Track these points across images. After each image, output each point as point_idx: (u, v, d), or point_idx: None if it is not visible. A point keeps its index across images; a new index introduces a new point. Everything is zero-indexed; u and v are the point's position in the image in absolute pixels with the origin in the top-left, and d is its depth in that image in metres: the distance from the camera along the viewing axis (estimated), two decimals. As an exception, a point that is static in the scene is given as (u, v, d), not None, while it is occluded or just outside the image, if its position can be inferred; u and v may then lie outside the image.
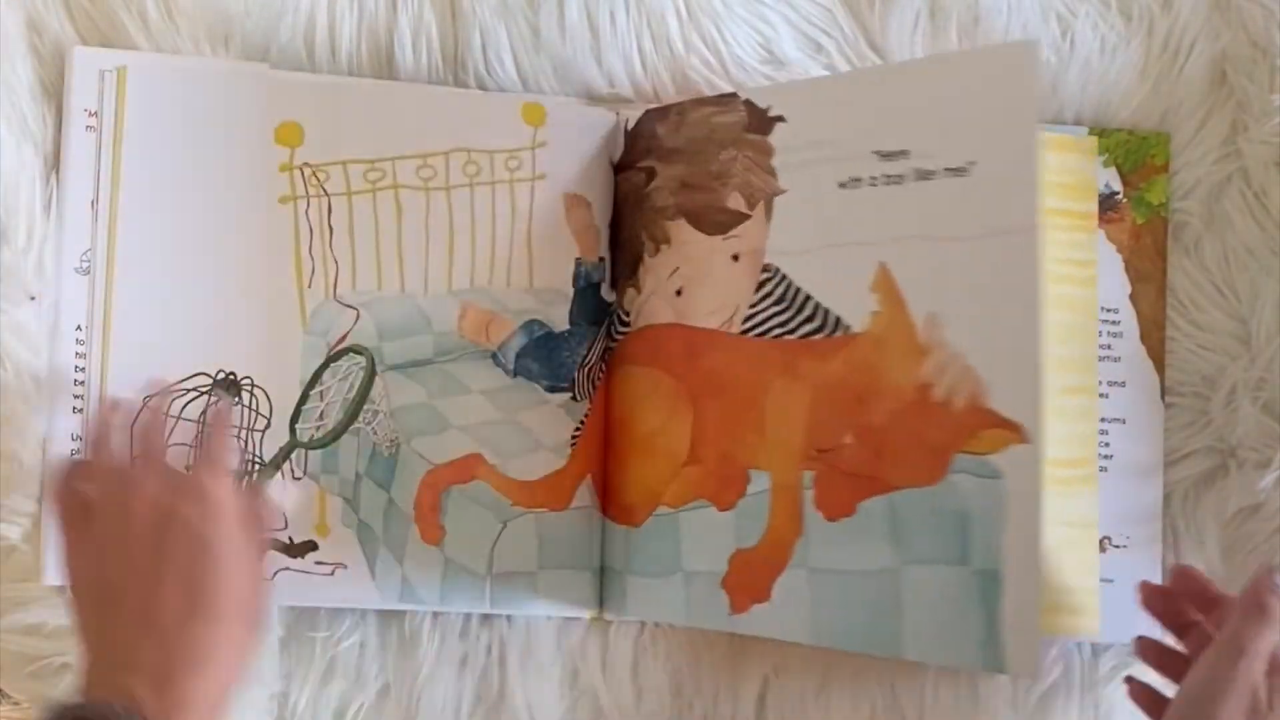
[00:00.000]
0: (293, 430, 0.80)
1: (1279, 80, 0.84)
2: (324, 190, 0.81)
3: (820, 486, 0.77)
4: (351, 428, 0.80)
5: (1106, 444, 0.85)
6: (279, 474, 0.80)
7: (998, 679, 0.85)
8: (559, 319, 0.82)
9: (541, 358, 0.82)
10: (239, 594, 0.65)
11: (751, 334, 0.80)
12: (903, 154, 0.76)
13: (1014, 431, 0.72)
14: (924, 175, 0.75)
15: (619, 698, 0.85)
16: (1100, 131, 0.85)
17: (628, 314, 0.83)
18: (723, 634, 0.84)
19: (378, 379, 0.80)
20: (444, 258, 0.81)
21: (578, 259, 0.82)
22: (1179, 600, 0.77)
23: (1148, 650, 0.79)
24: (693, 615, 0.81)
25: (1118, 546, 0.84)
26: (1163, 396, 0.85)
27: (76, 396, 0.80)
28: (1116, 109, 0.86)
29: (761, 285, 0.80)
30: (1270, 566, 0.71)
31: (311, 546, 0.80)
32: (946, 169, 0.75)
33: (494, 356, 0.82)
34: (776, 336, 0.79)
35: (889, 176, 0.76)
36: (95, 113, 0.80)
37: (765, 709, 0.85)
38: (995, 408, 0.73)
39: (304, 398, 0.80)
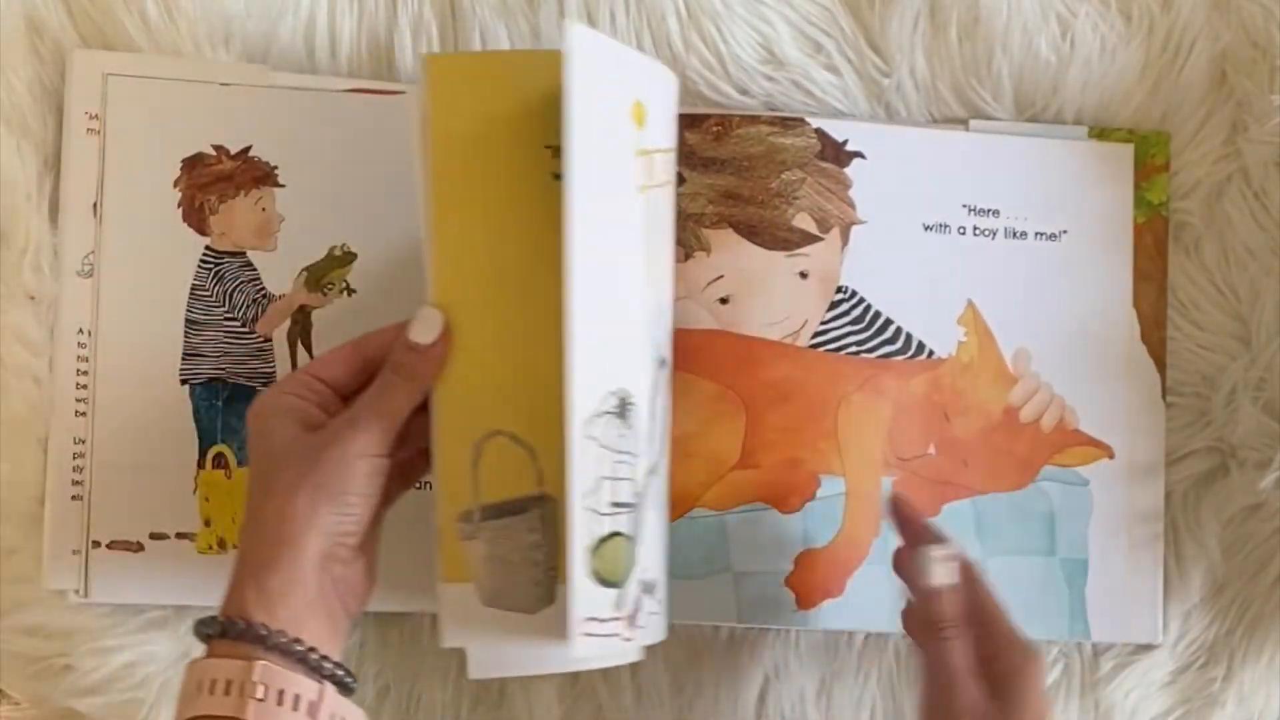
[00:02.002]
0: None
1: (1279, 80, 0.84)
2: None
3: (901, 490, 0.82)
4: None
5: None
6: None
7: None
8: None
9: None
10: (270, 467, 0.66)
11: (822, 349, 0.83)
12: (993, 212, 0.85)
13: (1103, 449, 0.85)
14: (1015, 234, 0.85)
15: (619, 698, 0.85)
16: (1100, 132, 0.85)
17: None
18: (723, 634, 0.85)
19: None
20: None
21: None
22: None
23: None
24: (747, 614, 0.82)
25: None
26: (1163, 396, 0.85)
27: (79, 400, 0.80)
28: (1116, 109, 0.86)
29: (836, 304, 0.83)
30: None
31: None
32: (1039, 233, 0.85)
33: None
34: (852, 353, 0.83)
35: (979, 230, 0.85)
36: (97, 115, 0.80)
37: (765, 709, 0.85)
38: (1084, 429, 0.85)
39: None
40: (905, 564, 0.73)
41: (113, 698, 0.80)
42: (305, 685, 0.62)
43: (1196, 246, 0.86)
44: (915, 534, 0.74)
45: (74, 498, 0.79)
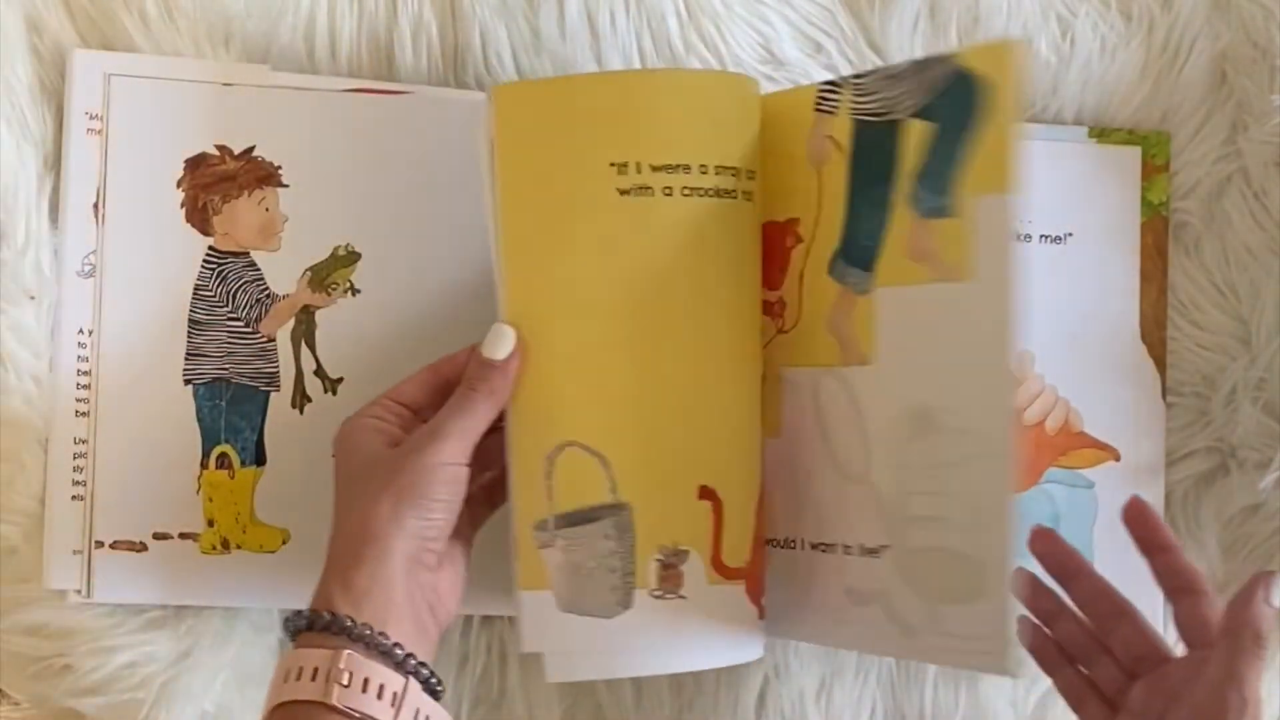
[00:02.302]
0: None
1: (1279, 80, 0.84)
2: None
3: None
4: None
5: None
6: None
7: (999, 679, 0.85)
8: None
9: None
10: (354, 479, 0.69)
11: None
12: None
13: (1108, 452, 0.86)
14: (1020, 237, 0.82)
15: (619, 698, 0.85)
16: (1100, 132, 0.85)
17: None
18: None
19: None
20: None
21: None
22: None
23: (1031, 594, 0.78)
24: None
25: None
26: (1163, 396, 0.85)
27: (80, 400, 0.80)
28: (1116, 109, 0.86)
29: None
30: (1259, 582, 0.67)
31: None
32: (1043, 235, 0.85)
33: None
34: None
35: None
36: (97, 115, 0.80)
37: (765, 709, 0.85)
38: (1089, 431, 0.86)
39: None
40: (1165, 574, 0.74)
41: (113, 698, 0.80)
42: (390, 677, 0.64)
43: (1196, 246, 0.86)
44: (1160, 541, 0.75)
45: (75, 498, 0.79)
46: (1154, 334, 0.85)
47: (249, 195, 0.81)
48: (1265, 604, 0.67)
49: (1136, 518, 0.75)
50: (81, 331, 0.80)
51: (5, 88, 0.80)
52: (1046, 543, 0.77)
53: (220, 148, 0.81)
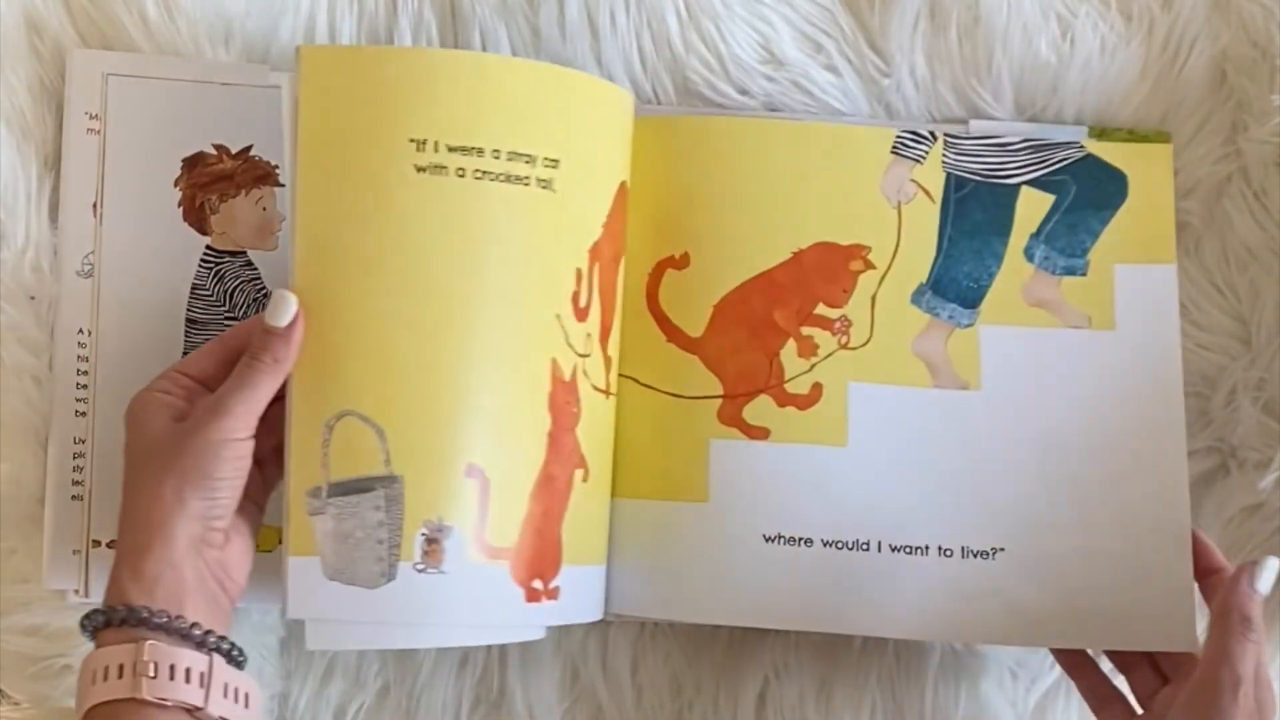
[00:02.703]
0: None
1: (1279, 80, 0.84)
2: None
3: None
4: None
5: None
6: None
7: (998, 678, 0.85)
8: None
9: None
10: (140, 458, 0.69)
11: None
12: None
13: None
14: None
15: (619, 698, 0.85)
16: (1100, 132, 0.85)
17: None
18: (722, 634, 0.85)
19: None
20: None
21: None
22: None
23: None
24: None
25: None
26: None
27: (79, 400, 0.80)
28: (1116, 109, 0.86)
29: None
30: (1244, 570, 0.72)
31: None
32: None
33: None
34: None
35: None
36: (97, 115, 0.80)
37: (765, 709, 0.85)
38: None
39: None
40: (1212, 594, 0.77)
41: (112, 698, 0.80)
42: (194, 658, 0.65)
43: (1196, 246, 0.86)
44: (1210, 565, 0.78)
45: (74, 498, 0.79)
46: (1154, 334, 0.85)
47: (246, 194, 0.81)
48: (1250, 588, 0.71)
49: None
50: (81, 331, 0.80)
51: (5, 88, 0.80)
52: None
53: (218, 147, 0.81)
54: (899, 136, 0.83)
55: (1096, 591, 0.79)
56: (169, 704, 0.64)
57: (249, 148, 0.81)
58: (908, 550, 0.80)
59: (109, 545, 0.79)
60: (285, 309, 0.70)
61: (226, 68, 0.82)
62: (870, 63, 0.86)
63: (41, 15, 0.81)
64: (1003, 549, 0.80)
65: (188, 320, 0.81)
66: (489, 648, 0.84)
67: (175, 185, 0.81)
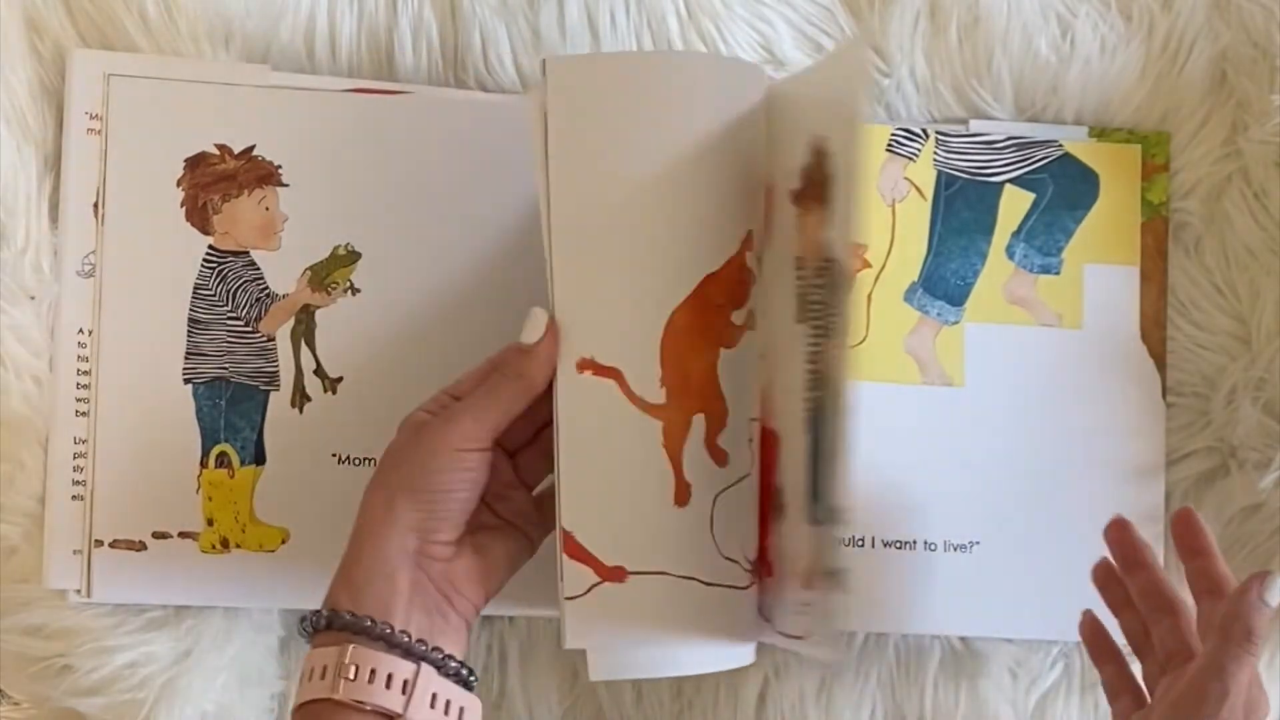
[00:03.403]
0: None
1: (1279, 80, 0.84)
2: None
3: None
4: None
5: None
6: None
7: (998, 678, 0.85)
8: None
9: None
10: (379, 469, 0.69)
11: None
12: None
13: None
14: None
15: (619, 698, 0.85)
16: (1100, 132, 0.85)
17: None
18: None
19: None
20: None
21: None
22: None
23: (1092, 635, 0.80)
24: None
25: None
26: (1163, 396, 0.85)
27: (80, 400, 0.80)
28: (1116, 109, 0.86)
29: None
30: (1255, 580, 0.69)
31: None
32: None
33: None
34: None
35: None
36: (97, 115, 0.80)
37: (765, 709, 0.85)
38: None
39: None
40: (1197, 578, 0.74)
41: (113, 698, 0.80)
42: (399, 665, 0.64)
43: (1196, 246, 0.86)
44: (1198, 546, 0.75)
45: (75, 497, 0.79)
46: (1154, 334, 0.85)
47: (249, 194, 0.81)
48: (1259, 600, 0.68)
49: (1182, 524, 0.75)
50: (81, 331, 0.80)
51: (5, 88, 0.80)
52: (1118, 531, 0.78)
53: (220, 147, 0.81)
54: (893, 134, 0.85)
55: (1072, 583, 0.81)
56: (366, 707, 0.63)
57: (251, 147, 0.81)
58: (898, 545, 0.83)
59: (111, 545, 0.79)
60: (534, 326, 0.68)
61: (226, 68, 0.82)
62: (870, 63, 0.86)
63: (41, 15, 0.81)
64: (978, 542, 0.84)
65: (190, 320, 0.81)
66: (489, 647, 0.84)
67: (178, 185, 0.81)
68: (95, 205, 0.80)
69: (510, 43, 0.84)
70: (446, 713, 0.65)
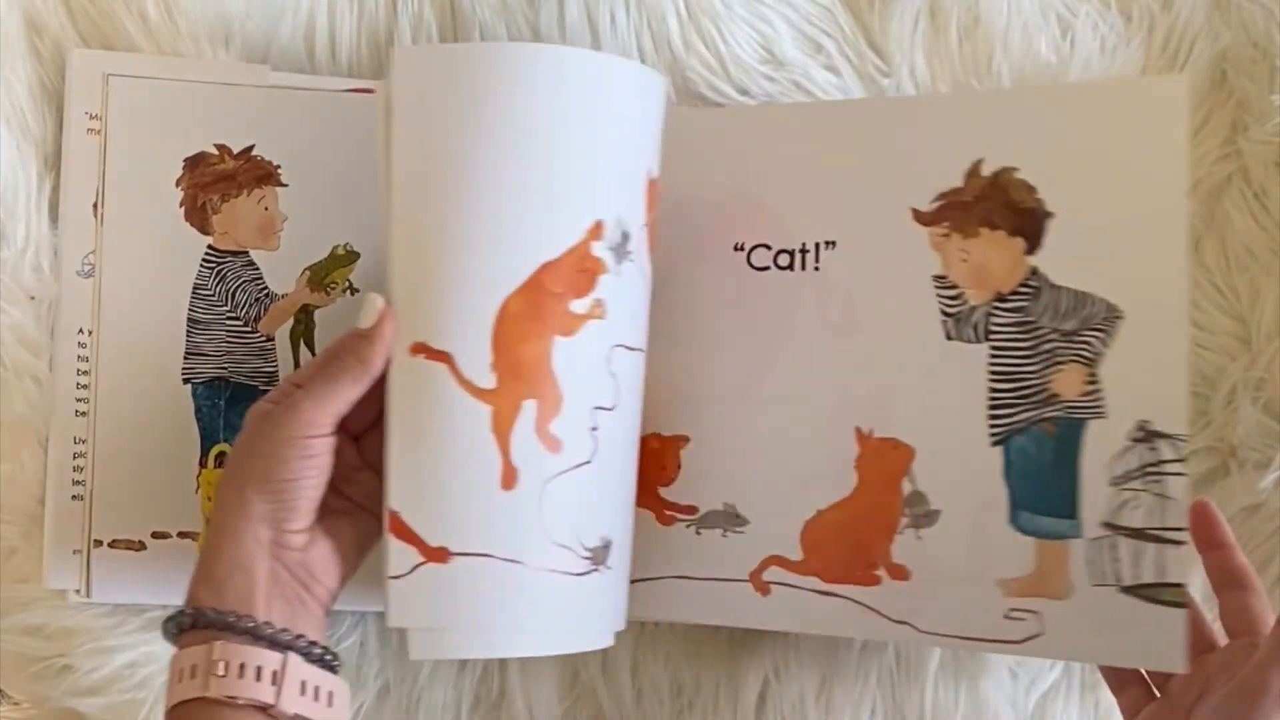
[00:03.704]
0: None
1: (1279, 80, 0.84)
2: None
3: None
4: None
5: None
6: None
7: (997, 678, 0.85)
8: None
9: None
10: (228, 463, 0.70)
11: None
12: None
13: None
14: None
15: (619, 698, 0.85)
16: (1100, 131, 0.85)
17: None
18: (722, 634, 0.85)
19: None
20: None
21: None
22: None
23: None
24: None
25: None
26: (1163, 395, 0.84)
27: (80, 400, 0.80)
28: (1116, 109, 0.86)
29: None
30: None
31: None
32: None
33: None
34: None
35: None
36: (97, 115, 0.80)
37: (765, 709, 0.85)
38: None
39: None
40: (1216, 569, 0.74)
41: (113, 698, 0.80)
42: (266, 656, 0.64)
43: (1196, 246, 0.86)
44: (1217, 538, 0.75)
45: (75, 497, 0.79)
46: (1154, 334, 0.84)
47: (248, 194, 0.81)
48: None
49: (1200, 516, 0.75)
50: (81, 331, 0.80)
51: (5, 88, 0.80)
52: (1197, 512, 0.75)
53: (220, 147, 0.81)
54: None
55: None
56: (240, 701, 0.63)
57: (251, 147, 0.81)
58: None
59: (110, 545, 0.79)
60: (370, 311, 0.69)
61: (226, 68, 0.82)
62: (870, 63, 0.86)
63: (41, 15, 0.81)
64: None
65: (189, 320, 0.81)
66: (489, 648, 0.85)
67: (177, 185, 0.81)
68: (95, 205, 0.80)
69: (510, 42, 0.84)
70: (316, 699, 0.66)
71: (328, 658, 0.67)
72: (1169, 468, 0.73)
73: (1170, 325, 0.73)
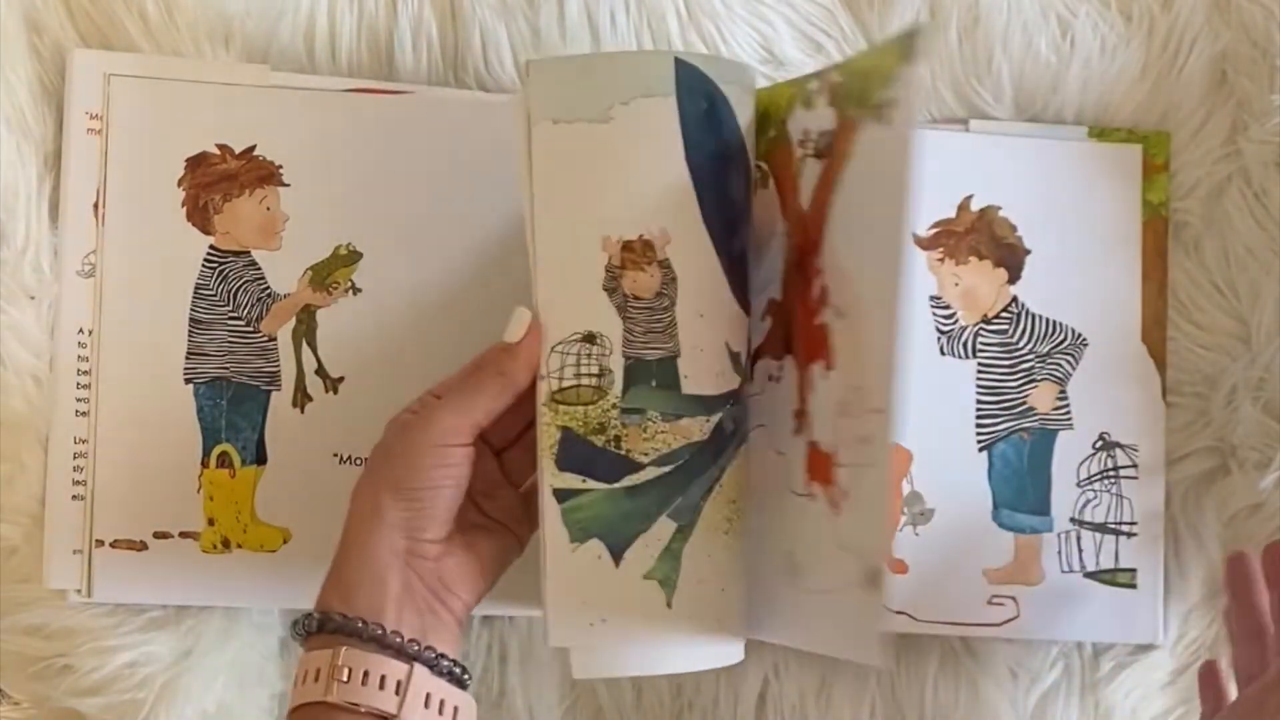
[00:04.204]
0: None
1: (1279, 80, 0.84)
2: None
3: None
4: None
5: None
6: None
7: (997, 678, 0.85)
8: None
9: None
10: (365, 470, 0.69)
11: None
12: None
13: None
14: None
15: (619, 698, 0.85)
16: (1100, 132, 0.85)
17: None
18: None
19: None
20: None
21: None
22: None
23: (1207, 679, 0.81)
24: None
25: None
26: (1163, 396, 0.85)
27: (80, 400, 0.80)
28: (1116, 109, 0.86)
29: None
30: None
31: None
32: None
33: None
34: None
35: None
36: (97, 115, 0.80)
37: (765, 709, 0.85)
38: None
39: None
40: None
41: (113, 698, 0.80)
42: (391, 666, 0.64)
43: (1196, 246, 0.86)
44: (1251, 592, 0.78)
45: (75, 497, 0.79)
46: (1154, 334, 0.85)
47: (250, 194, 0.81)
48: None
49: (1237, 565, 0.79)
50: (81, 331, 0.80)
51: (5, 88, 0.80)
52: (1236, 561, 0.80)
53: (221, 147, 0.81)
54: None
55: None
56: (361, 709, 0.63)
57: (252, 147, 0.81)
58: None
59: (111, 545, 0.79)
60: (518, 324, 0.69)
61: (226, 68, 0.82)
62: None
63: (41, 15, 0.81)
64: None
65: (191, 320, 0.81)
66: (489, 647, 0.84)
67: (179, 185, 0.81)
68: (95, 205, 0.80)
69: (510, 43, 0.84)
70: (441, 712, 0.65)
71: (456, 671, 0.67)
72: (1124, 472, 0.85)
73: (1129, 351, 0.85)
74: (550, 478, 0.69)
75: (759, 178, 0.72)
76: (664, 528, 0.69)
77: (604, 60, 0.75)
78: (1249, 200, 0.85)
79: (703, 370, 0.69)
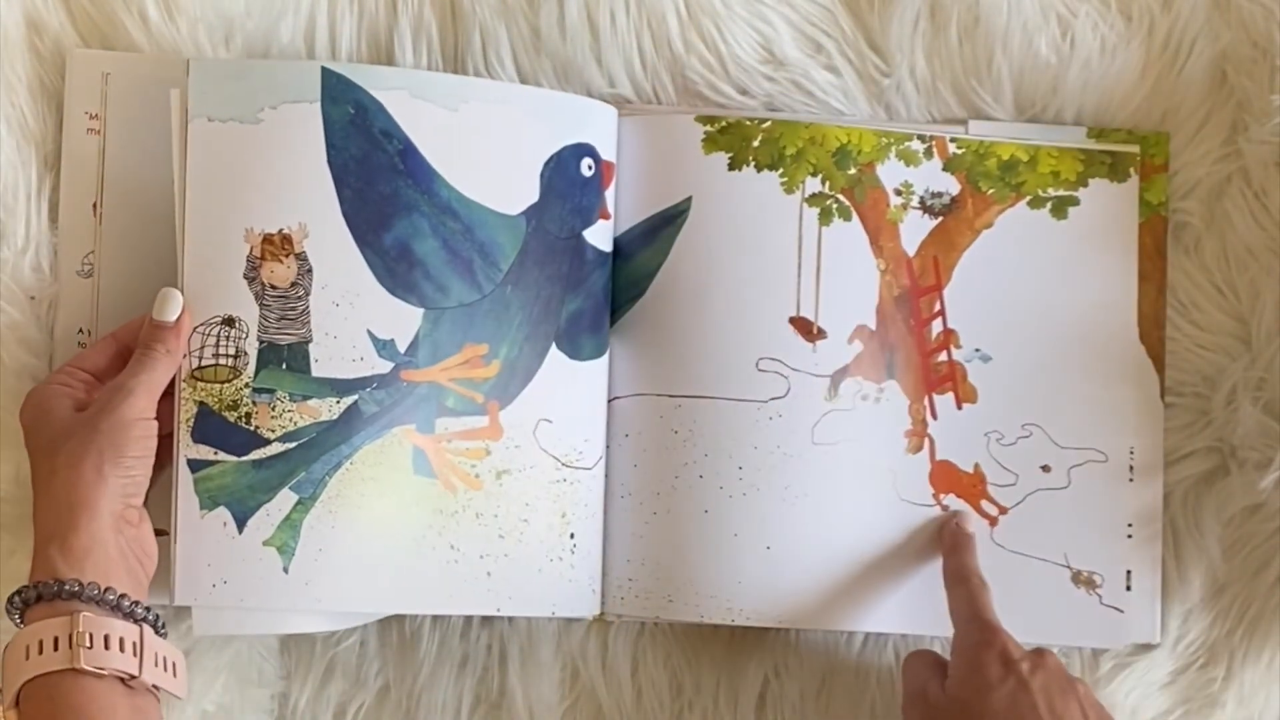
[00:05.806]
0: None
1: (1279, 80, 0.84)
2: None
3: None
4: None
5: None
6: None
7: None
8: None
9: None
10: (50, 445, 0.72)
11: None
12: None
13: None
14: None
15: (619, 698, 0.85)
16: (1100, 132, 0.85)
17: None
18: (722, 633, 0.84)
19: None
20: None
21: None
22: None
23: None
24: None
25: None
26: (1162, 396, 0.85)
27: (79, 399, 0.80)
28: (1116, 109, 0.86)
29: None
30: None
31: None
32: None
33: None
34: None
35: None
36: (97, 115, 0.80)
37: (765, 709, 0.85)
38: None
39: None
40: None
41: (113, 698, 0.80)
42: (126, 629, 0.67)
43: (1196, 246, 0.86)
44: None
45: (75, 497, 0.79)
46: (1153, 334, 0.85)
47: (250, 194, 0.81)
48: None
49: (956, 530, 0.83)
50: (81, 331, 0.80)
51: (5, 87, 0.80)
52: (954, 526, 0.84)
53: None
54: None
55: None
56: (105, 673, 0.65)
57: (251, 147, 0.81)
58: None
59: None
60: (173, 305, 0.75)
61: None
62: (870, 63, 0.86)
63: (41, 15, 0.81)
64: None
65: (190, 320, 0.81)
66: (489, 647, 0.84)
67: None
68: (95, 205, 0.80)
69: (510, 42, 0.84)
70: (166, 669, 0.69)
71: (163, 629, 0.70)
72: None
73: (1127, 351, 0.85)
74: (185, 448, 0.76)
75: (837, 209, 0.83)
76: (285, 499, 0.77)
77: (258, 66, 0.80)
78: (1249, 200, 0.85)
79: (335, 355, 0.77)
